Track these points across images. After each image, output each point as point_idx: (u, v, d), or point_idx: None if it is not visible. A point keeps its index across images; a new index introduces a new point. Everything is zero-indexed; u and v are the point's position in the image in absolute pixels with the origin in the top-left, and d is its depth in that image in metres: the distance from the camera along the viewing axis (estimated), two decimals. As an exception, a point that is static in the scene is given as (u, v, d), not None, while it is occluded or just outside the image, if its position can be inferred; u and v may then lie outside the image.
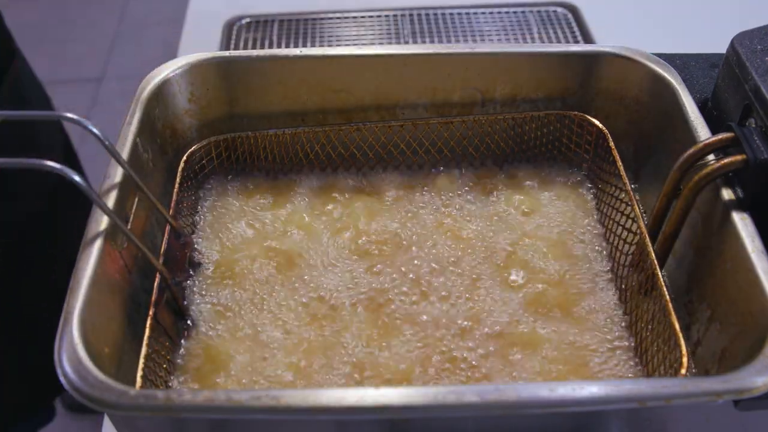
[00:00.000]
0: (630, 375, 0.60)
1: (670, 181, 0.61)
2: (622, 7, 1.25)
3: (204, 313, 0.65)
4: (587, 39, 1.13)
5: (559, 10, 1.21)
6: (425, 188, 0.76)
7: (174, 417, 0.48)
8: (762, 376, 0.47)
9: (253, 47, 1.15)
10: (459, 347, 0.62)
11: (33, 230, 1.08)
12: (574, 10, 1.20)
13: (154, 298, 0.60)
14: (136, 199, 0.63)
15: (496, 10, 1.22)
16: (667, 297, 0.58)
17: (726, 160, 0.57)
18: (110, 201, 0.59)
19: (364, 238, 0.71)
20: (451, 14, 1.21)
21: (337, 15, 1.21)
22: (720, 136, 0.59)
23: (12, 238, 1.03)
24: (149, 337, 0.58)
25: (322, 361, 0.61)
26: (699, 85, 0.75)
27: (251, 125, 0.77)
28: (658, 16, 1.23)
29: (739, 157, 0.57)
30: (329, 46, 1.14)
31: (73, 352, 0.49)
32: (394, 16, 1.21)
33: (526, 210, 0.74)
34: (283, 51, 0.74)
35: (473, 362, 0.61)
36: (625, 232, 0.67)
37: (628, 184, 0.67)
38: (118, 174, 0.61)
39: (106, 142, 0.58)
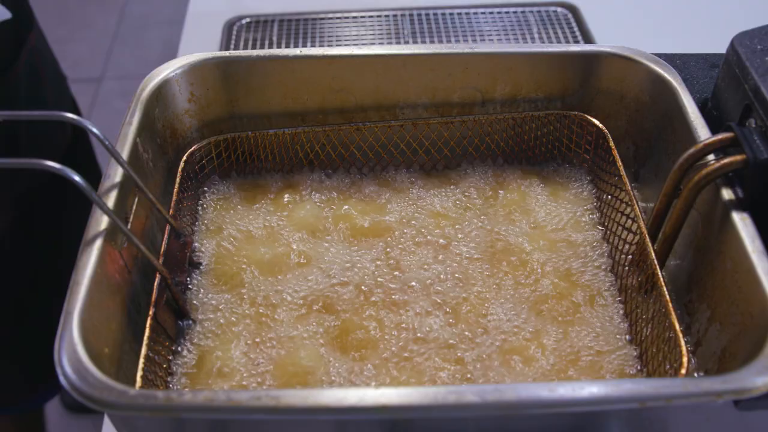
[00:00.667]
0: (630, 375, 0.60)
1: (670, 181, 0.61)
2: (622, 7, 1.25)
3: (204, 313, 0.65)
4: (587, 39, 1.13)
5: (559, 10, 1.21)
6: (425, 188, 0.76)
7: (174, 417, 0.48)
8: (762, 376, 0.47)
9: (253, 47, 1.15)
10: (458, 348, 0.62)
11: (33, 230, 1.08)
12: (574, 10, 1.21)
13: (154, 298, 0.60)
14: (136, 199, 0.63)
15: (496, 10, 1.22)
16: (667, 297, 0.58)
17: (726, 160, 0.57)
18: (110, 201, 0.59)
19: (365, 238, 0.71)
20: (451, 14, 1.21)
21: (337, 15, 1.21)
22: (720, 136, 0.59)
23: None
24: (149, 337, 0.58)
25: (323, 361, 0.61)
26: (699, 85, 0.75)
27: (251, 125, 0.77)
28: (658, 16, 1.23)
29: (739, 157, 0.57)
30: (329, 46, 1.14)
31: (73, 352, 0.49)
32: (394, 16, 1.21)
33: (525, 210, 0.74)
34: (283, 51, 0.74)
35: (473, 362, 0.61)
36: (625, 232, 0.67)
37: (628, 184, 0.67)
38: (118, 174, 0.61)
39: (106, 142, 0.58)
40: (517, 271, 0.68)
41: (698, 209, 0.61)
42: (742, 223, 0.56)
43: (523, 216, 0.73)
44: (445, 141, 0.77)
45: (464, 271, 0.68)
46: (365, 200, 0.75)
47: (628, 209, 0.67)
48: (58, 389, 1.34)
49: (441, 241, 0.71)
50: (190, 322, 0.64)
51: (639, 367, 0.61)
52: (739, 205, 0.57)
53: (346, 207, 0.74)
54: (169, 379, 0.60)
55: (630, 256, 0.66)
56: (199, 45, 1.15)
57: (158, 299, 0.60)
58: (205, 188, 0.76)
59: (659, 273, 0.60)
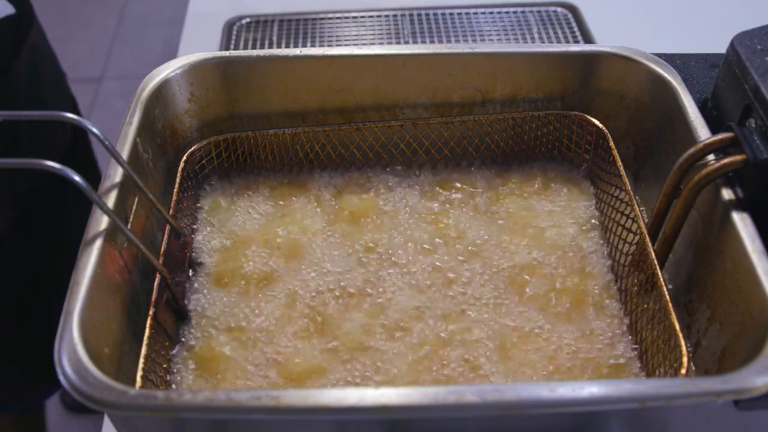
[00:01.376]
0: (630, 375, 0.60)
1: (670, 181, 0.61)
2: (622, 7, 1.25)
3: (204, 313, 0.65)
4: (587, 39, 1.13)
5: (559, 10, 1.21)
6: (425, 188, 0.76)
7: (174, 417, 0.48)
8: (762, 376, 0.47)
9: (253, 47, 1.15)
10: (457, 348, 0.62)
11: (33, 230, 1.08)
12: (574, 10, 1.21)
13: (154, 298, 0.60)
14: (136, 199, 0.63)
15: (496, 10, 1.22)
16: (667, 297, 0.58)
17: (726, 160, 0.57)
18: (110, 201, 0.59)
19: (364, 238, 0.71)
20: (451, 14, 1.21)
21: (337, 15, 1.22)
22: (720, 136, 0.59)
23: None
24: (149, 337, 0.58)
25: (322, 361, 0.61)
26: (699, 85, 0.75)
27: (251, 125, 0.77)
28: (658, 16, 1.23)
29: (739, 157, 0.57)
30: (329, 46, 1.14)
31: (73, 352, 0.49)
32: (394, 16, 1.21)
33: (525, 210, 0.74)
34: (283, 51, 0.74)
35: (472, 362, 0.61)
36: (625, 232, 0.67)
37: (628, 184, 0.67)
38: (118, 174, 0.61)
39: (106, 142, 0.58)
40: (516, 270, 0.68)
41: (698, 209, 0.61)
42: (742, 223, 0.56)
43: (523, 216, 0.73)
44: (445, 141, 0.77)
45: (464, 272, 0.68)
46: (365, 200, 0.75)
47: (628, 209, 0.67)
48: (57, 389, 1.34)
49: (440, 241, 0.71)
50: (190, 322, 0.64)
51: (639, 367, 0.61)
52: (739, 205, 0.57)
53: (346, 207, 0.74)
54: (169, 379, 0.60)
55: (630, 256, 0.66)
56: (199, 45, 1.15)
57: (158, 299, 0.60)
58: (205, 188, 0.76)
59: (659, 273, 0.60)
